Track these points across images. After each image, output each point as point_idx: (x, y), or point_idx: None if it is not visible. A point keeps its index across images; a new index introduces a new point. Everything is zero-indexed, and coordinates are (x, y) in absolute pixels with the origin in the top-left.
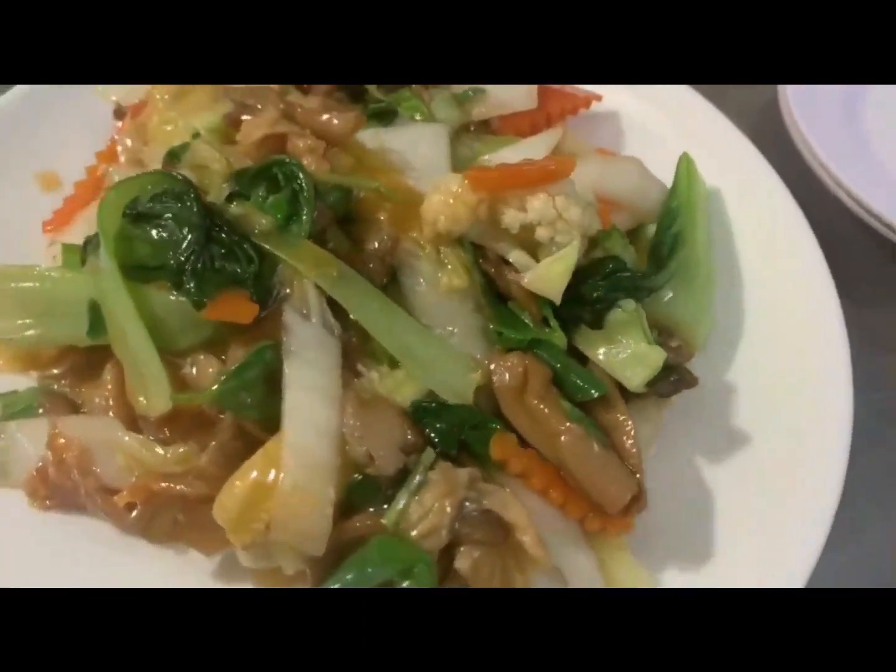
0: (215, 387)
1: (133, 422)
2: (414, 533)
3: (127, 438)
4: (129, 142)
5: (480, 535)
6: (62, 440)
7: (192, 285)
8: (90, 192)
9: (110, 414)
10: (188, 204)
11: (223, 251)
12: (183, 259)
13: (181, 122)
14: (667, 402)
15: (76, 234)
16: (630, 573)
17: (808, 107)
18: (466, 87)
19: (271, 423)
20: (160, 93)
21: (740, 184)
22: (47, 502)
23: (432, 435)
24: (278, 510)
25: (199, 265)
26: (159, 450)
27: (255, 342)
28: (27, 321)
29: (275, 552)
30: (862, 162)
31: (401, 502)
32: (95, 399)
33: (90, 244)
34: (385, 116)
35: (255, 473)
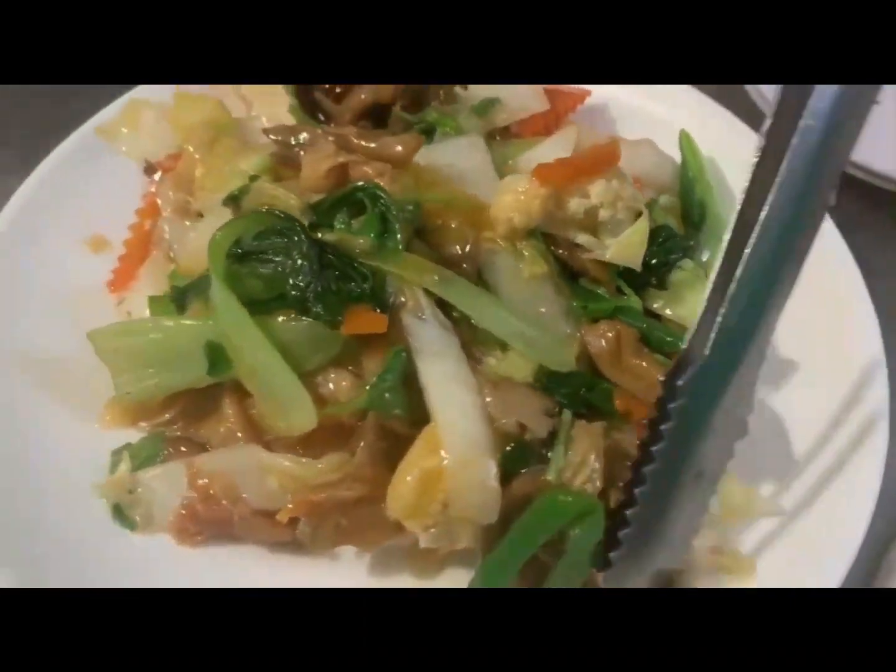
0: (363, 395)
1: (266, 445)
2: (575, 483)
3: (280, 459)
4: (170, 194)
5: (622, 474)
6: (204, 477)
7: (319, 309)
8: (142, 248)
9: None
10: (296, 237)
11: (337, 273)
12: (303, 286)
13: (226, 167)
14: None
15: (143, 288)
16: (746, 500)
17: None
18: (482, 98)
19: (414, 419)
20: (191, 143)
21: (735, 157)
22: (198, 538)
23: (560, 399)
24: (451, 489)
25: (320, 289)
26: (314, 463)
27: (384, 350)
28: (147, 372)
29: (453, 529)
30: None
31: (559, 457)
32: (219, 434)
33: (191, 291)
34: (427, 135)
35: (420, 463)
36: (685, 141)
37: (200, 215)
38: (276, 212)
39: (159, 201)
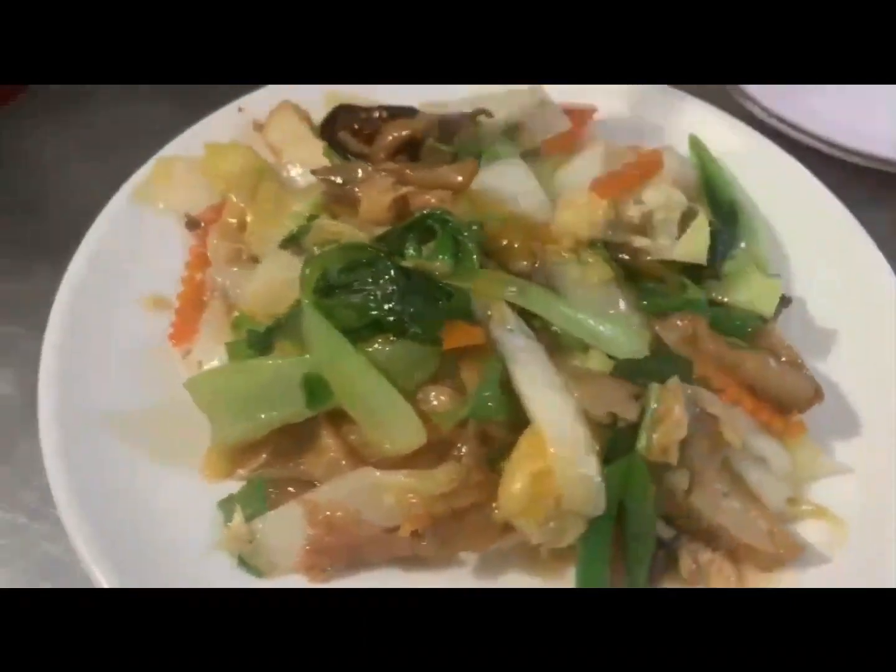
0: (466, 405)
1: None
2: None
3: (395, 476)
4: (219, 244)
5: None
6: (324, 510)
7: (417, 329)
8: (197, 300)
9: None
10: (381, 265)
11: (424, 295)
12: (399, 310)
13: (275, 210)
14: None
15: (207, 338)
16: (813, 458)
17: None
18: (504, 123)
19: (511, 422)
20: (233, 192)
21: (734, 155)
22: (328, 570)
23: (643, 381)
24: (561, 485)
25: (412, 310)
26: (429, 475)
27: (477, 362)
28: (247, 413)
29: (563, 524)
30: None
31: (646, 422)
32: (322, 465)
33: (275, 331)
34: None
35: (528, 464)
36: (695, 144)
37: (254, 261)
38: (362, 244)
39: (208, 252)
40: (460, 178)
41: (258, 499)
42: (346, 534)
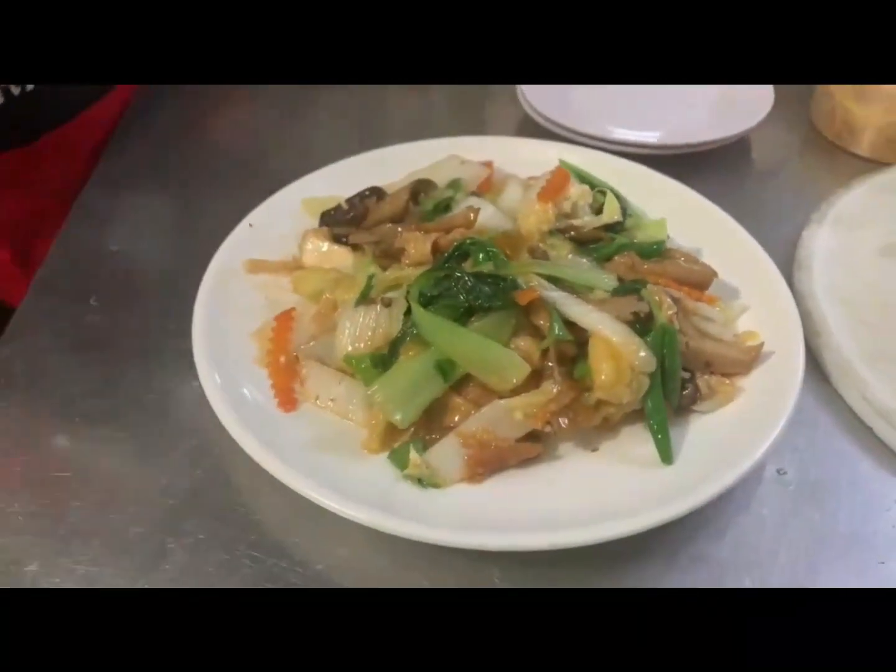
0: (547, 338)
1: None
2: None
3: (517, 399)
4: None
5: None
6: (472, 435)
7: (498, 302)
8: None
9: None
10: (456, 276)
11: (490, 285)
12: (480, 295)
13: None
14: None
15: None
16: (726, 310)
17: None
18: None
19: (577, 341)
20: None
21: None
22: (483, 476)
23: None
24: (629, 357)
25: (488, 292)
26: (538, 391)
27: (539, 313)
28: (413, 402)
29: (637, 382)
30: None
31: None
32: (457, 419)
33: (390, 352)
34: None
35: (603, 354)
36: (565, 164)
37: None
38: (437, 267)
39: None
40: (471, 218)
41: (418, 447)
42: (492, 448)
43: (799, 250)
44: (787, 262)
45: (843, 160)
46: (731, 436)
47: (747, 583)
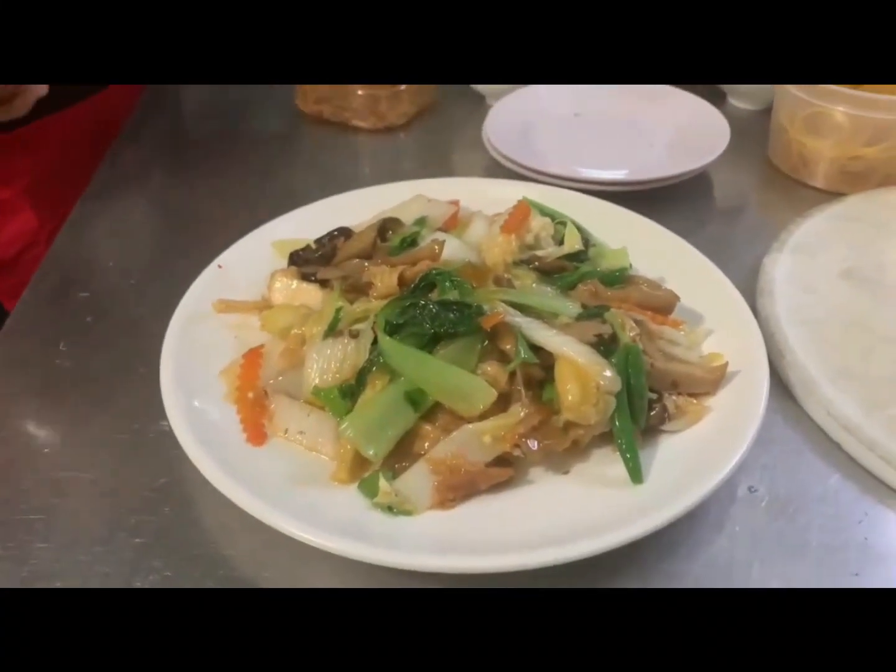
0: (513, 362)
1: None
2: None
3: (485, 423)
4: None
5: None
6: (441, 460)
7: (463, 328)
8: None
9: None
10: (421, 304)
11: (455, 312)
12: (445, 322)
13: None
14: None
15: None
16: (691, 333)
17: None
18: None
19: (542, 365)
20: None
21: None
22: (454, 501)
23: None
24: (595, 377)
25: (453, 319)
26: (506, 414)
27: (505, 338)
28: (384, 434)
29: (603, 403)
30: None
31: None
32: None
33: (357, 383)
34: (412, 244)
35: (569, 376)
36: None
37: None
38: (403, 297)
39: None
40: (437, 250)
41: (388, 476)
42: (461, 473)
43: (761, 276)
44: (750, 290)
45: (800, 193)
46: (700, 454)
47: None
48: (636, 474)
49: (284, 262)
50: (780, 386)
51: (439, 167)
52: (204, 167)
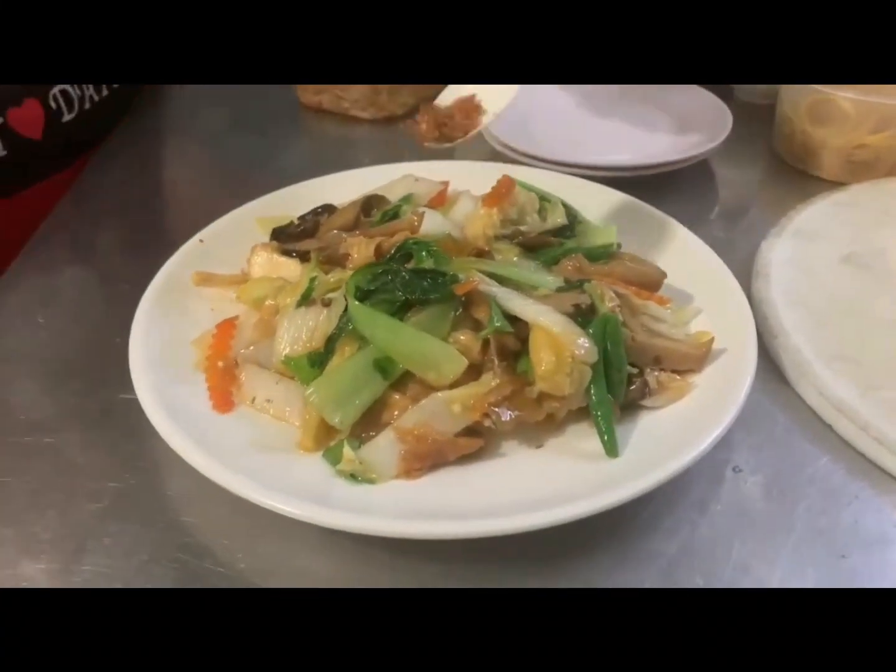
0: (487, 328)
1: None
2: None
3: (455, 391)
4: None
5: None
6: (409, 429)
7: (437, 294)
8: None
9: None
10: (394, 270)
11: (429, 279)
12: (418, 289)
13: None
14: None
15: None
16: (678, 311)
17: None
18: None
19: (517, 335)
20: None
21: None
22: (420, 471)
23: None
24: (570, 347)
25: (426, 285)
26: (477, 383)
27: (480, 307)
28: (352, 403)
29: (578, 373)
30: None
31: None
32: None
33: (326, 350)
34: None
35: (543, 346)
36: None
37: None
38: (377, 263)
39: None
40: (416, 222)
41: (353, 444)
42: (429, 442)
43: (757, 259)
44: (748, 275)
45: (804, 183)
46: (680, 429)
47: (699, 579)
48: (611, 448)
49: (268, 239)
50: (773, 370)
51: (439, 157)
52: (202, 156)
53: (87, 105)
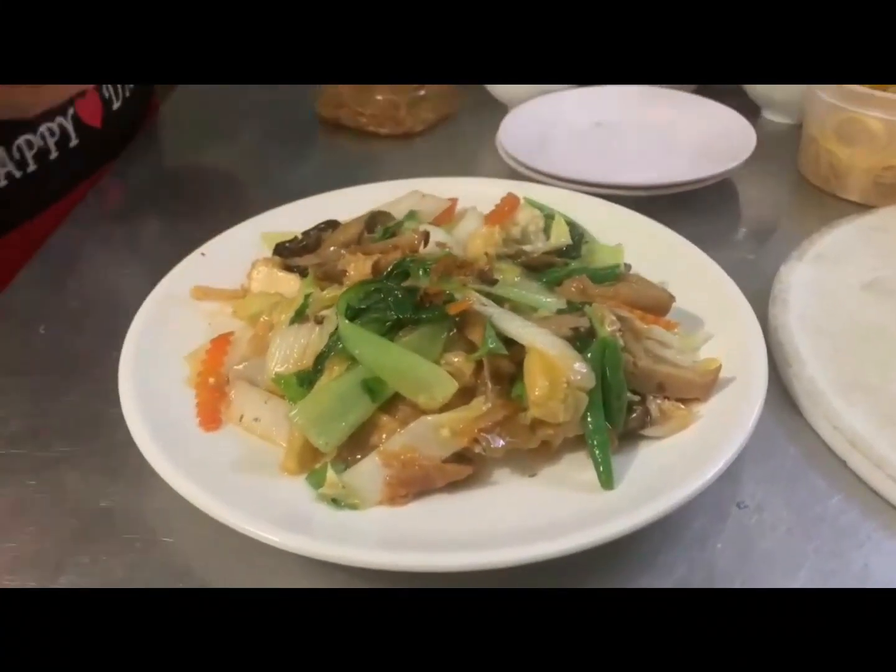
0: (480, 350)
1: None
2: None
3: (444, 415)
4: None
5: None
6: (395, 454)
7: (430, 315)
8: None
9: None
10: (388, 289)
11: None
12: (412, 307)
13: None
14: None
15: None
16: (687, 337)
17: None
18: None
19: (512, 357)
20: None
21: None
22: (406, 498)
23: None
24: (566, 372)
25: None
26: (468, 406)
27: (474, 328)
28: (337, 426)
29: (574, 399)
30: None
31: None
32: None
33: (314, 369)
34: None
35: (538, 370)
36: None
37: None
38: (370, 281)
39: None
40: (416, 240)
41: (338, 468)
42: (415, 468)
43: (775, 284)
44: (766, 300)
45: (830, 205)
46: (681, 460)
47: None
48: (607, 479)
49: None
50: (787, 399)
51: (455, 174)
52: (217, 168)
53: (128, 93)
